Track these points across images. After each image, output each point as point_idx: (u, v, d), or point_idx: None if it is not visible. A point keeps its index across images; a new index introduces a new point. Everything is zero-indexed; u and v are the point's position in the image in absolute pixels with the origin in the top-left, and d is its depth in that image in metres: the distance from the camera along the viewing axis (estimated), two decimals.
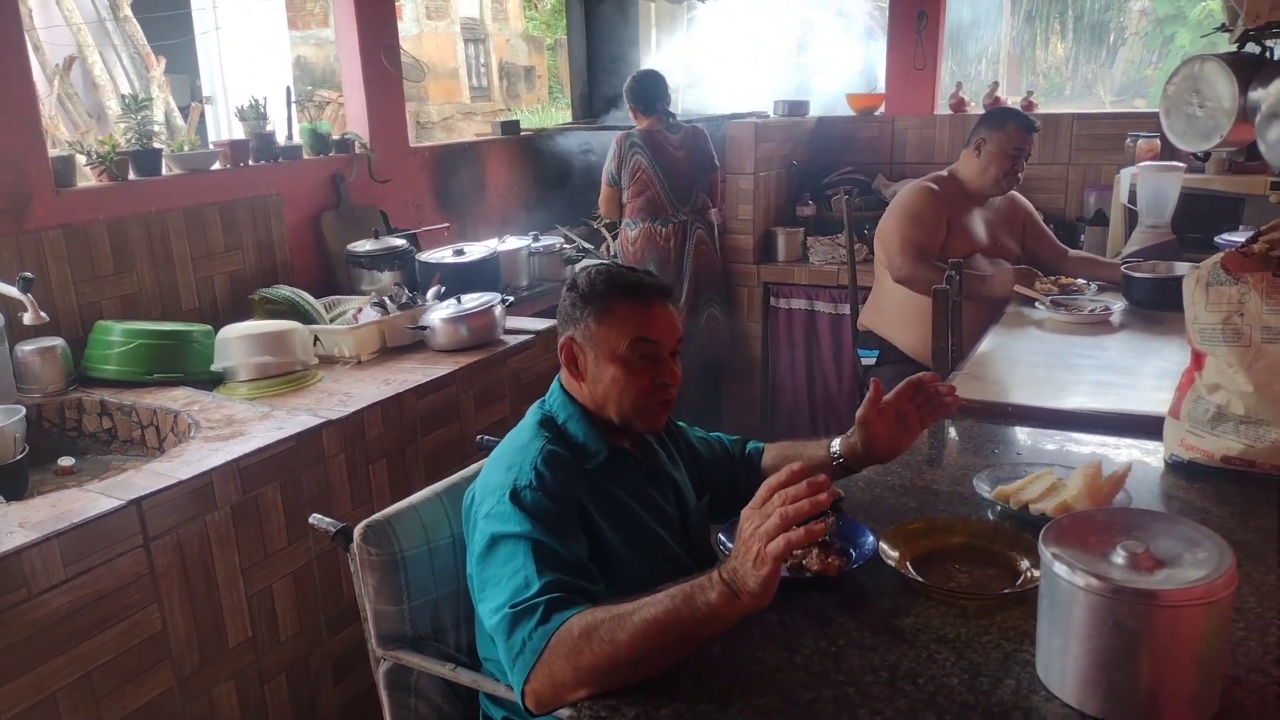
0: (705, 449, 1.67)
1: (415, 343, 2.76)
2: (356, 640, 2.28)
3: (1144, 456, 1.77)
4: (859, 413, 1.53)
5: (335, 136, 3.31)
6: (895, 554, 1.38)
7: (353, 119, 3.44)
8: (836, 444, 1.59)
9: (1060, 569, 1.07)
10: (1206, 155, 2.91)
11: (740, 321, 4.08)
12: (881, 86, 4.43)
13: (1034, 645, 1.18)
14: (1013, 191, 3.04)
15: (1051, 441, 1.87)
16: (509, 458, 1.37)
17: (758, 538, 1.05)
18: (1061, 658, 1.09)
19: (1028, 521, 1.50)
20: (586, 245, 3.97)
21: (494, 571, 1.25)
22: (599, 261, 1.47)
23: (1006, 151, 2.88)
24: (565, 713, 1.14)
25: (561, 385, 1.49)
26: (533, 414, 1.47)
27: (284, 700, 2.13)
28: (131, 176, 2.66)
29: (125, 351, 2.36)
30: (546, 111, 8.92)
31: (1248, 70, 2.50)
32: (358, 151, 3.34)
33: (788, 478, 1.08)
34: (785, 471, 1.09)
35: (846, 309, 3.69)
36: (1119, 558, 1.07)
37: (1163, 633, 1.02)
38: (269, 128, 3.08)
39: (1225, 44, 2.78)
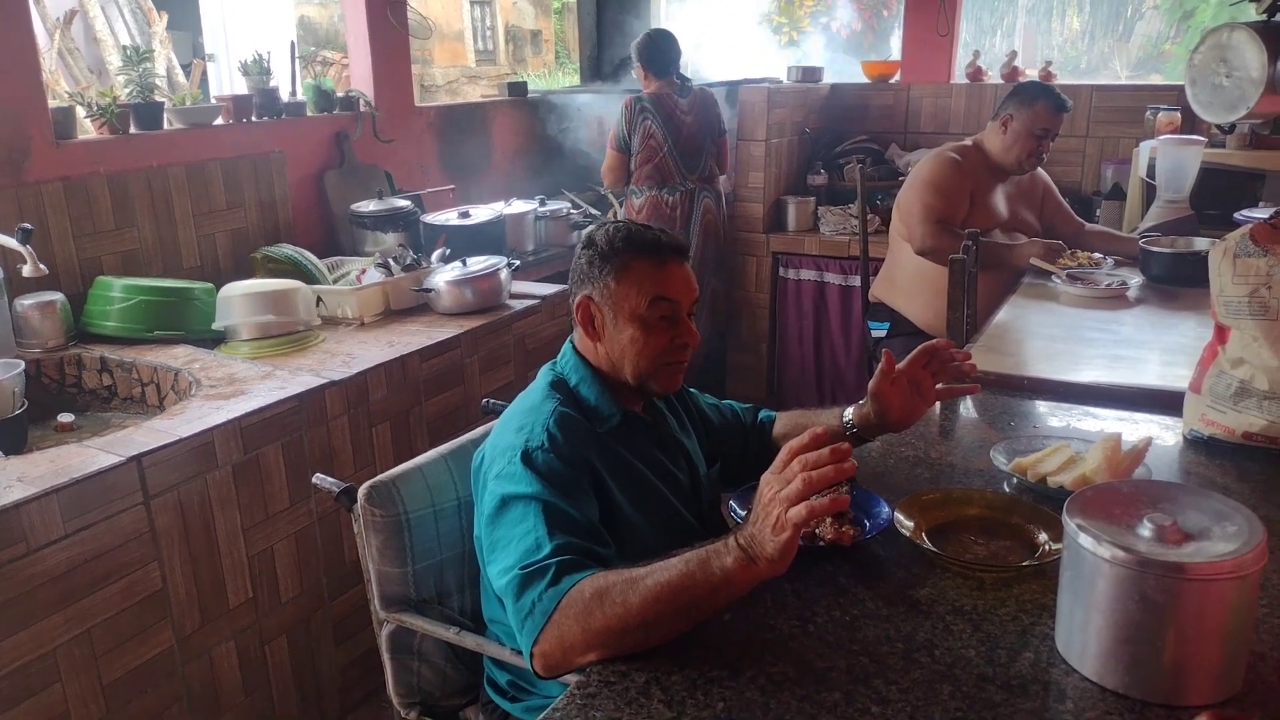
0: (716, 416, 1.64)
1: (419, 305, 2.73)
2: (358, 603, 2.26)
3: (1162, 432, 1.74)
4: (871, 384, 1.50)
5: (340, 94, 3.25)
6: (910, 524, 1.35)
7: (357, 76, 3.38)
8: (849, 413, 1.56)
9: (1085, 541, 1.04)
10: (1232, 127, 2.85)
11: (748, 292, 4.03)
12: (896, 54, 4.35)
13: (1053, 618, 1.15)
14: None
15: (1068, 415, 1.84)
16: (520, 419, 1.34)
17: (778, 502, 1.02)
18: (1083, 631, 1.07)
19: (1045, 494, 1.47)
20: (593, 211, 3.91)
21: (504, 533, 1.22)
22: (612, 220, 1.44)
23: (1033, 131, 2.81)
24: (573, 677, 1.12)
25: (574, 347, 1.45)
26: (544, 375, 1.44)
27: (284, 661, 2.11)
28: (132, 130, 2.61)
29: (126, 308, 2.33)
30: (553, 76, 8.81)
31: (1278, 40, 2.43)
32: (362, 110, 3.28)
33: (810, 441, 1.05)
34: (808, 435, 1.06)
35: (857, 280, 3.64)
36: (1145, 530, 1.04)
37: (1190, 607, 0.99)
38: (272, 83, 3.02)
39: (1250, 15, 2.71)
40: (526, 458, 1.25)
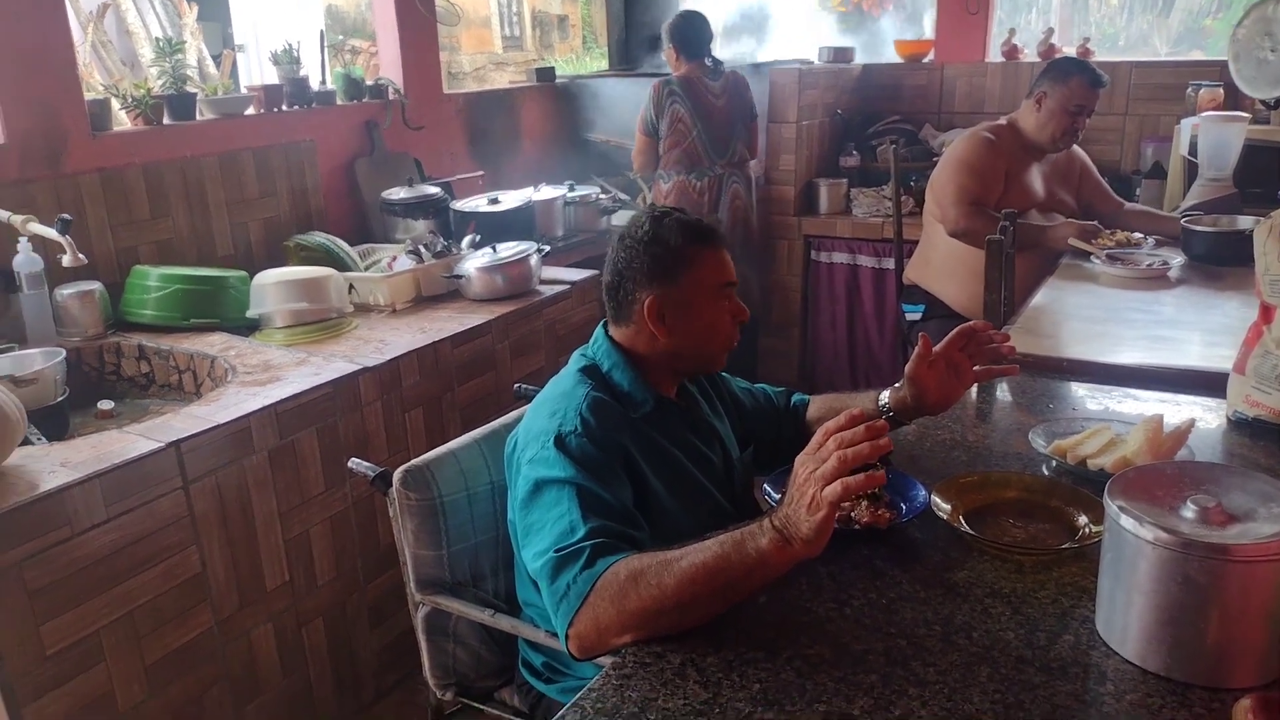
0: (749, 400, 1.63)
1: (450, 292, 2.74)
2: (393, 587, 2.29)
3: (1204, 414, 1.71)
4: (908, 368, 1.48)
5: (369, 82, 3.26)
6: (948, 507, 1.34)
7: (386, 64, 3.39)
8: (885, 396, 1.54)
9: (1127, 522, 1.02)
10: (1277, 102, 2.77)
11: (780, 276, 4.00)
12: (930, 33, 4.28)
13: (1093, 601, 1.14)
14: None
15: (1108, 397, 1.81)
16: (553, 404, 1.34)
17: (813, 481, 1.01)
18: (1124, 613, 1.05)
19: (1085, 477, 1.45)
20: (622, 196, 3.89)
21: (538, 516, 1.22)
22: (637, 211, 1.45)
23: (1068, 109, 2.75)
24: (608, 658, 1.12)
25: (607, 334, 1.44)
26: (575, 361, 1.44)
27: (321, 643, 2.14)
28: (166, 121, 2.64)
29: (162, 297, 2.36)
30: (581, 61, 8.77)
31: None
32: (391, 97, 3.29)
33: (846, 421, 1.04)
34: (844, 416, 1.06)
35: (890, 263, 3.60)
36: (1189, 512, 1.02)
37: (1234, 589, 0.97)
38: (302, 72, 3.03)
39: None
40: (560, 442, 1.25)
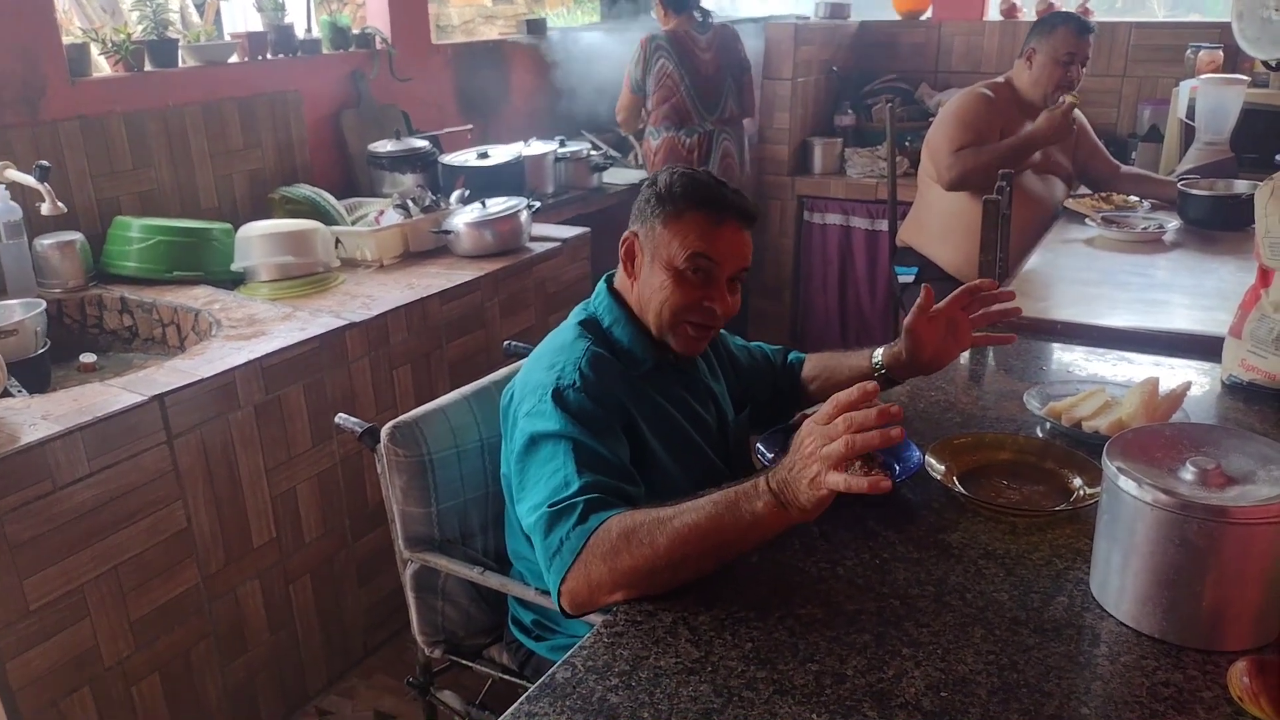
0: (746, 357, 1.61)
1: (438, 247, 2.69)
2: (381, 545, 2.28)
3: (1199, 377, 1.70)
4: (907, 320, 1.46)
5: (355, 31, 3.18)
6: (942, 468, 1.33)
7: (373, 12, 3.30)
8: (879, 354, 1.53)
9: (1126, 484, 1.01)
10: (1279, 64, 2.74)
11: (772, 237, 3.97)
12: None
13: (1087, 564, 1.13)
14: None
15: (1102, 360, 1.80)
16: (551, 357, 1.31)
17: (819, 459, 0.98)
18: (1120, 575, 1.04)
19: (1079, 439, 1.44)
20: (614, 152, 3.84)
21: (533, 471, 1.20)
22: (683, 169, 1.37)
23: (1058, 59, 2.71)
24: (599, 616, 1.11)
25: (609, 287, 1.41)
26: (576, 315, 1.41)
27: (309, 601, 2.13)
28: (147, 67, 2.57)
29: (145, 248, 2.31)
30: (572, 14, 8.62)
31: None
32: (379, 47, 3.21)
33: (860, 397, 1.01)
34: (858, 391, 1.01)
35: (884, 225, 3.57)
36: (1188, 474, 1.01)
37: (1232, 551, 0.97)
38: (287, 19, 2.95)
39: None
40: (557, 396, 1.23)
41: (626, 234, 1.37)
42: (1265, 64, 2.82)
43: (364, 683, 2.25)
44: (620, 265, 1.39)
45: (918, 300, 1.45)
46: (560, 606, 1.13)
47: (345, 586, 2.22)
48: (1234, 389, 1.64)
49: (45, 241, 2.23)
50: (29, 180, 2.05)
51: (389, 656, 2.34)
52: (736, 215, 1.34)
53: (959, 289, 1.49)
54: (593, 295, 1.42)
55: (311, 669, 2.17)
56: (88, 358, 2.12)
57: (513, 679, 1.55)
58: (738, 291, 1.38)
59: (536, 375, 1.29)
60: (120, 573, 1.71)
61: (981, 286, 1.49)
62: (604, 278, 1.44)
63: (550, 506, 1.14)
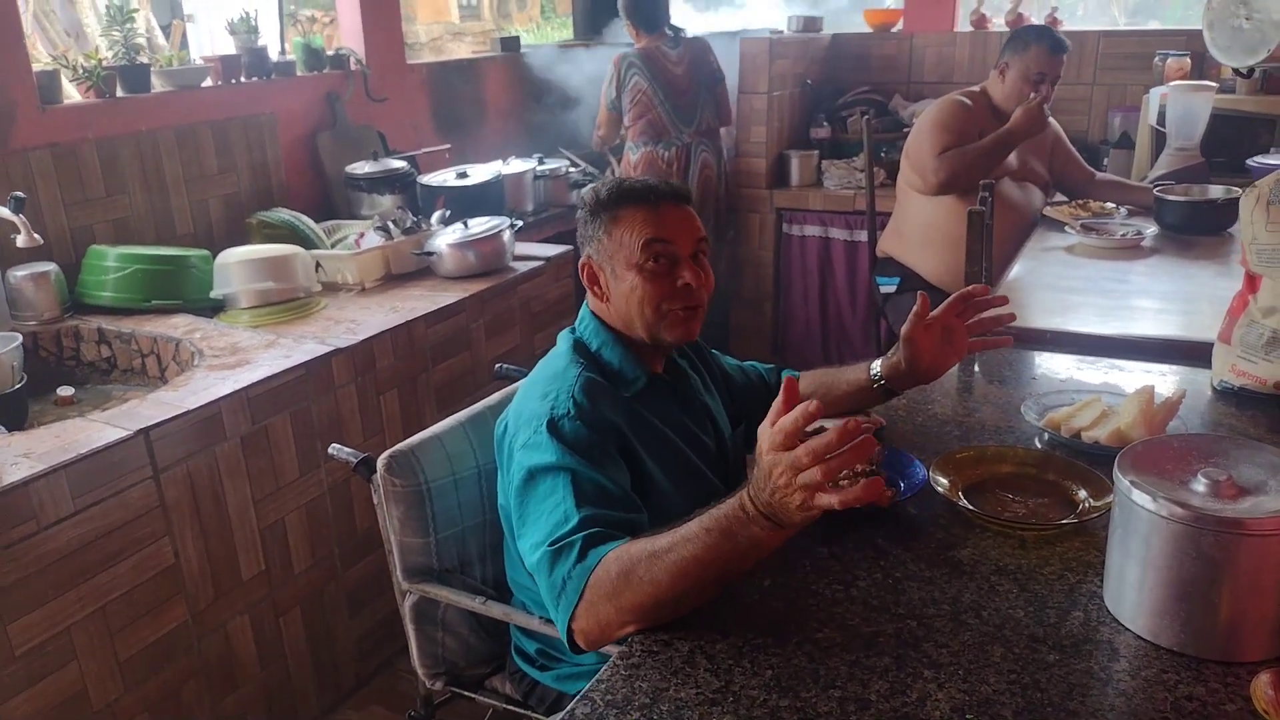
0: (740, 376, 1.60)
1: (420, 269, 2.67)
2: (371, 573, 2.24)
3: (1189, 384, 1.71)
4: (905, 329, 1.46)
5: (329, 52, 3.15)
6: (946, 483, 1.33)
7: (347, 33, 3.28)
8: (877, 365, 1.52)
9: (1140, 497, 1.01)
10: (1250, 71, 2.79)
11: (751, 249, 3.97)
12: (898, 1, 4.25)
13: (1099, 577, 1.13)
14: None
15: (1094, 368, 1.81)
16: (544, 385, 1.29)
17: (798, 489, 0.95)
18: (1136, 589, 1.04)
19: (1079, 449, 1.44)
20: (591, 169, 3.83)
21: (533, 506, 1.18)
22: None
23: (1029, 77, 2.73)
24: (612, 647, 1.09)
25: (591, 310, 1.41)
26: (564, 340, 1.39)
27: (299, 633, 2.09)
28: (119, 93, 2.52)
29: (121, 278, 2.26)
30: (541, 31, 8.62)
31: None
32: (353, 68, 3.18)
33: (803, 421, 0.96)
34: (802, 415, 0.96)
35: (863, 235, 3.58)
36: (1200, 485, 1.01)
37: (1248, 562, 0.97)
38: (260, 42, 2.92)
39: None
40: (553, 427, 1.21)
41: (581, 261, 1.38)
42: (1236, 71, 2.88)
43: (357, 714, 2.21)
44: (589, 293, 1.40)
45: (914, 309, 1.45)
46: (573, 646, 1.11)
47: (336, 617, 2.18)
48: (1225, 395, 1.65)
49: (18, 273, 2.18)
50: (4, 212, 2.00)
51: (382, 686, 2.30)
52: (669, 196, 1.35)
53: (952, 296, 1.49)
54: (578, 320, 1.41)
55: (303, 702, 2.13)
56: (65, 391, 2.07)
57: (517, 709, 1.52)
58: (706, 265, 1.37)
59: (531, 405, 1.27)
60: (108, 613, 1.66)
61: (974, 293, 1.49)
62: (585, 302, 1.43)
63: (550, 545, 1.12)
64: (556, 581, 1.11)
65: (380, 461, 1.45)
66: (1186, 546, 0.99)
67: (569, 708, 0.97)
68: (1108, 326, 2.00)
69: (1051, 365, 1.84)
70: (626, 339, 1.37)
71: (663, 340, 1.36)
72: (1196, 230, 2.58)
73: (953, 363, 1.51)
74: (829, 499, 0.95)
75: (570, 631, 1.10)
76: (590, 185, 1.41)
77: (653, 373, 1.39)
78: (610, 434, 1.26)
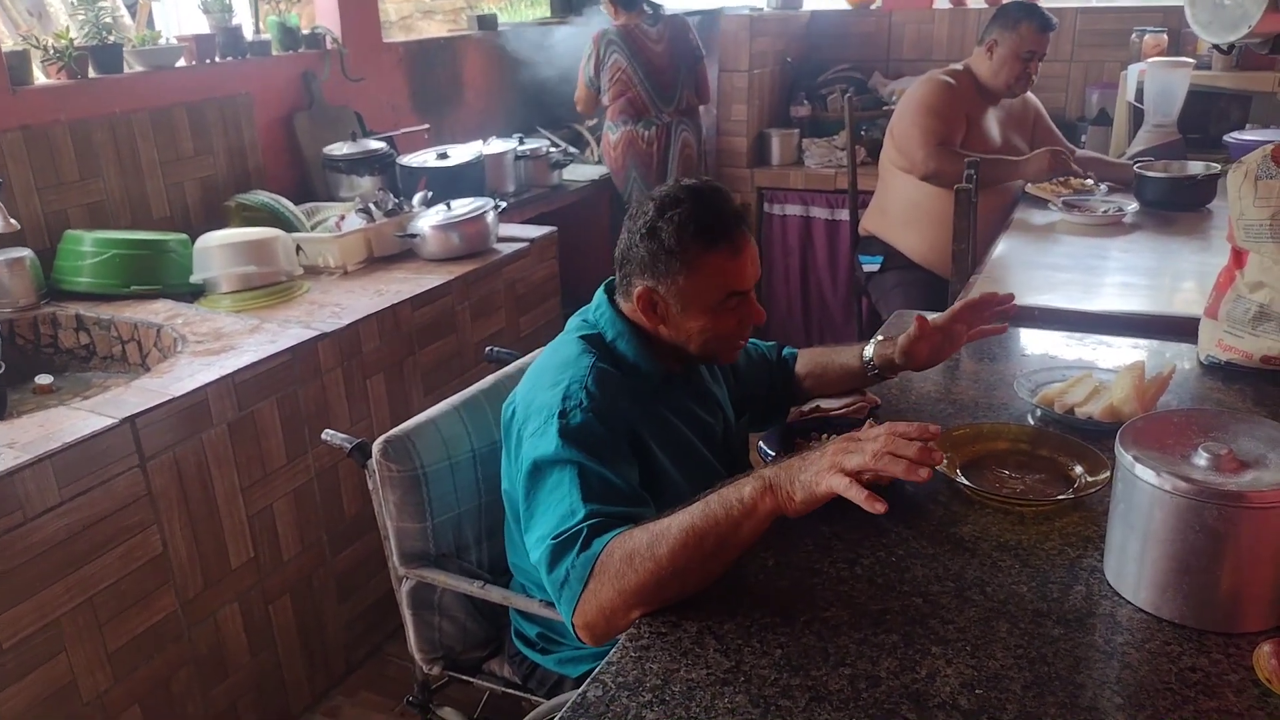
0: (743, 357, 1.60)
1: (403, 251, 2.64)
2: (360, 559, 2.23)
3: (1176, 358, 1.73)
4: (901, 343, 1.47)
5: (305, 31, 3.09)
6: (944, 460, 1.33)
7: (322, 11, 3.21)
8: (870, 351, 1.53)
9: (1144, 472, 1.02)
10: (1231, 48, 2.81)
11: None
12: None
13: (1098, 551, 1.15)
14: None
15: (1082, 345, 1.82)
16: (554, 373, 1.27)
17: (835, 462, 1.01)
18: (1138, 562, 1.06)
19: (1073, 425, 1.46)
20: (572, 149, 3.81)
21: (539, 499, 1.17)
22: (667, 191, 1.29)
23: (1019, 54, 2.75)
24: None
25: (611, 302, 1.37)
26: (576, 327, 1.36)
27: (289, 620, 2.07)
28: (91, 74, 2.46)
29: (99, 263, 2.22)
30: (515, 8, 8.51)
31: None
32: (329, 47, 3.12)
33: (917, 432, 1.03)
34: (918, 427, 1.04)
35: (844, 214, 3.59)
36: (1201, 460, 1.03)
37: (1250, 535, 0.98)
38: (234, 21, 2.85)
39: None
40: (563, 418, 1.19)
41: (638, 288, 1.29)
42: (1217, 47, 2.90)
43: (349, 701, 2.20)
44: (634, 309, 1.33)
45: (912, 330, 1.46)
46: (579, 639, 1.11)
47: (325, 603, 2.17)
48: (1212, 369, 1.67)
49: None
50: None
51: (372, 671, 2.29)
52: (745, 235, 1.29)
53: (962, 304, 1.50)
54: (592, 305, 1.38)
55: (295, 690, 2.11)
56: (44, 379, 2.03)
57: (516, 692, 1.52)
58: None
59: (541, 394, 1.25)
60: (96, 603, 1.64)
61: (985, 302, 1.50)
62: (603, 286, 1.39)
63: (554, 538, 1.11)
64: (560, 574, 1.10)
65: (375, 447, 1.43)
66: (1190, 520, 1.00)
67: (580, 690, 0.97)
68: (1092, 303, 2.02)
69: (1040, 342, 1.86)
70: (646, 335, 1.34)
71: (715, 362, 1.39)
72: (1177, 206, 2.61)
73: (948, 355, 1.52)
74: (841, 481, 0.99)
75: (576, 626, 1.10)
76: (659, 212, 1.27)
77: (667, 369, 1.37)
78: (621, 426, 1.24)
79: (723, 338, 1.32)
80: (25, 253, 2.16)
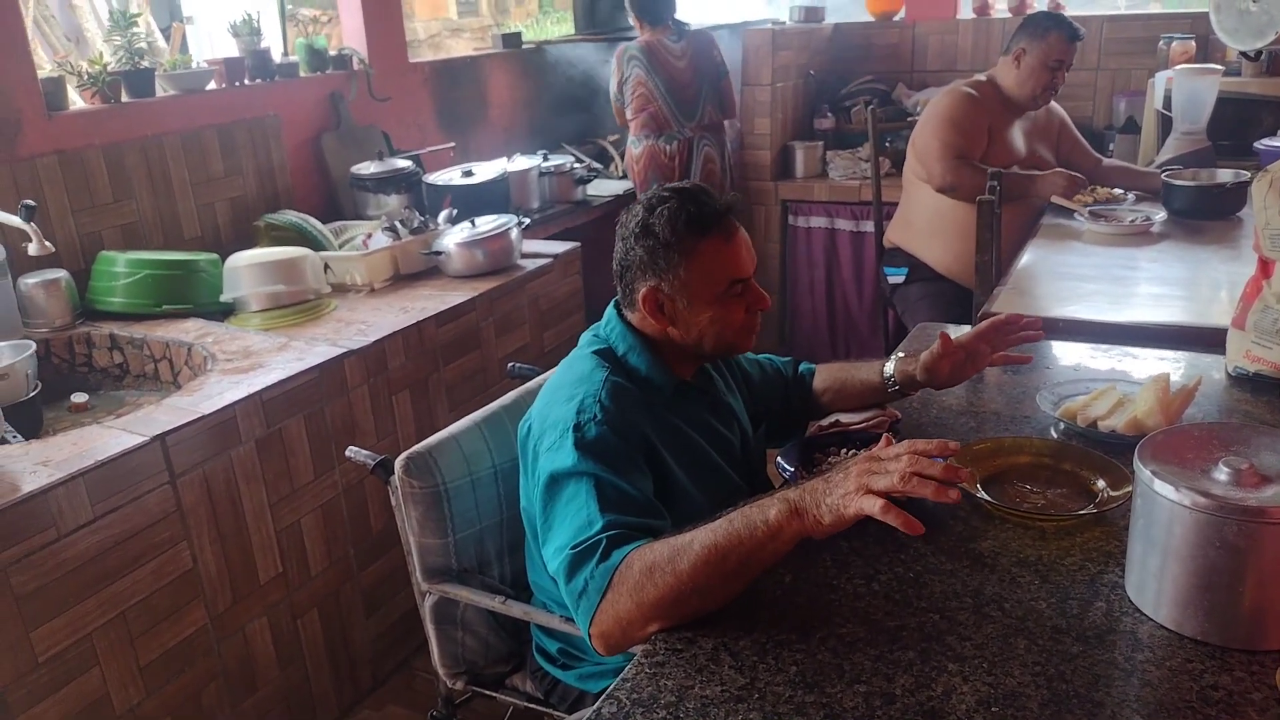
0: (757, 372, 1.60)
1: (428, 269, 2.67)
2: (386, 573, 2.25)
3: (1204, 370, 1.71)
4: (924, 360, 1.46)
5: (332, 52, 3.15)
6: (969, 477, 1.32)
7: (349, 33, 3.27)
8: (890, 367, 1.53)
9: (1162, 487, 1.01)
10: (1258, 54, 2.78)
11: (757, 242, 3.96)
12: None
13: (1119, 567, 1.13)
14: None
15: (1106, 356, 1.81)
16: (569, 389, 1.29)
17: (862, 484, 1.02)
18: (1158, 579, 1.04)
19: (1096, 439, 1.44)
20: (596, 165, 3.83)
21: (556, 511, 1.18)
22: (652, 194, 1.34)
23: (1047, 64, 2.73)
24: (637, 647, 1.09)
25: (620, 316, 1.39)
26: (589, 343, 1.38)
27: (317, 635, 2.10)
28: (124, 98, 2.52)
29: (132, 283, 2.27)
30: (540, 25, 8.59)
31: None
32: (356, 68, 3.18)
33: (936, 449, 1.05)
34: (938, 443, 1.06)
35: (869, 226, 3.58)
36: (1221, 474, 1.01)
37: (1272, 551, 0.97)
38: (263, 44, 2.92)
39: None
40: (578, 431, 1.21)
41: (643, 290, 1.32)
42: (1244, 54, 2.86)
43: (376, 714, 2.22)
44: (640, 313, 1.35)
45: (935, 347, 1.45)
46: (594, 649, 1.12)
47: (353, 617, 2.19)
48: (1240, 380, 1.65)
49: (29, 280, 2.19)
50: (13, 220, 2.01)
51: (398, 686, 2.31)
52: (735, 221, 1.33)
53: (986, 324, 1.49)
54: (603, 321, 1.40)
55: (322, 704, 2.14)
56: (79, 397, 2.08)
57: (538, 707, 1.53)
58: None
59: (556, 409, 1.27)
60: (128, 618, 1.67)
61: (1010, 322, 1.50)
62: (613, 303, 1.41)
63: (573, 549, 1.12)
64: (578, 584, 1.11)
65: (398, 463, 1.45)
66: (1210, 536, 0.99)
67: (595, 706, 0.98)
68: (1119, 314, 1.99)
69: (1064, 354, 1.84)
70: (656, 345, 1.36)
71: (734, 352, 1.41)
72: (1205, 215, 2.57)
73: (970, 375, 1.52)
74: (873, 503, 0.99)
75: (592, 636, 1.10)
76: (640, 216, 1.32)
77: (681, 378, 1.38)
78: (636, 439, 1.25)
79: (734, 327, 1.34)
80: (61, 274, 2.22)
